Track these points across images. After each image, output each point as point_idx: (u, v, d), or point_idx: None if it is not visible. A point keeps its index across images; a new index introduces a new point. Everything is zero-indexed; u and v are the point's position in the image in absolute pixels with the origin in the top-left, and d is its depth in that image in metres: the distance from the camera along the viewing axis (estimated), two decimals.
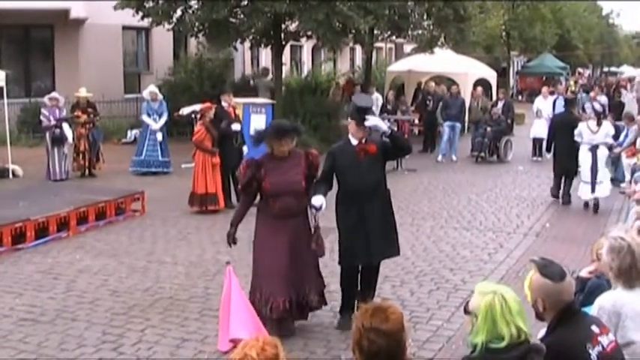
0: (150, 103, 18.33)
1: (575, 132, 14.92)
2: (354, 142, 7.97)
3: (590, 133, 14.75)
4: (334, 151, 8.16)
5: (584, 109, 21.66)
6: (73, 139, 17.49)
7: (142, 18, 21.34)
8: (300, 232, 7.72)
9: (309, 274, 7.82)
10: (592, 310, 4.71)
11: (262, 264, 7.64)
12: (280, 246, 7.55)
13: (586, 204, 15.02)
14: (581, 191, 14.97)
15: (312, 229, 7.77)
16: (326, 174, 8.04)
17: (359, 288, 8.19)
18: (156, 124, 18.03)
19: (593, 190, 14.69)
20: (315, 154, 7.96)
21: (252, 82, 26.99)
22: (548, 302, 4.22)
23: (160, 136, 18.08)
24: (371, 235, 7.85)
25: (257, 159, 7.84)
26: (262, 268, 7.64)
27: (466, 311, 3.99)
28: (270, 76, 25.05)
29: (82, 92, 18.23)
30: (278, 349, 3.32)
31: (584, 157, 14.81)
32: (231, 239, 7.86)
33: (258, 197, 7.91)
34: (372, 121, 7.88)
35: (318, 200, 7.63)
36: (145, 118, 18.26)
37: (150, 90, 18.73)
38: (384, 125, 7.96)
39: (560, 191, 15.65)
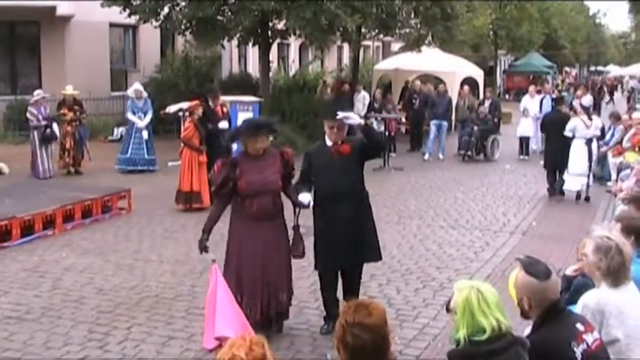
0: (135, 101, 18.27)
1: (568, 127, 15.32)
2: (329, 143, 7.81)
3: (585, 127, 15.30)
4: (310, 152, 8.07)
5: (571, 108, 21.75)
6: (59, 136, 17.44)
7: (129, 15, 21.27)
8: (276, 233, 7.53)
9: (283, 279, 7.59)
10: (576, 309, 4.73)
11: (240, 268, 7.44)
12: (256, 249, 7.38)
13: (578, 196, 15.40)
14: (570, 184, 15.36)
15: (292, 229, 7.64)
16: (304, 175, 7.90)
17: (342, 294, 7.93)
18: (141, 122, 17.98)
19: (588, 181, 15.31)
20: (290, 152, 7.80)
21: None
22: (533, 301, 4.24)
23: (145, 134, 18.02)
24: (342, 240, 7.61)
25: (232, 158, 7.69)
26: (240, 272, 7.43)
27: (448, 310, 4.03)
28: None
29: (69, 90, 18.16)
30: (265, 348, 3.32)
31: (579, 150, 15.24)
32: (203, 246, 7.52)
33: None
34: (342, 114, 7.62)
35: (305, 197, 7.56)
36: (130, 116, 18.20)
37: (135, 88, 18.67)
38: (356, 118, 7.76)
39: (555, 184, 16.01)
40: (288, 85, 26.74)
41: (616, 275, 4.77)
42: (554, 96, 24.26)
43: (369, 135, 7.77)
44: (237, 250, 7.48)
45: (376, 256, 8.02)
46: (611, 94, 51.62)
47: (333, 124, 7.69)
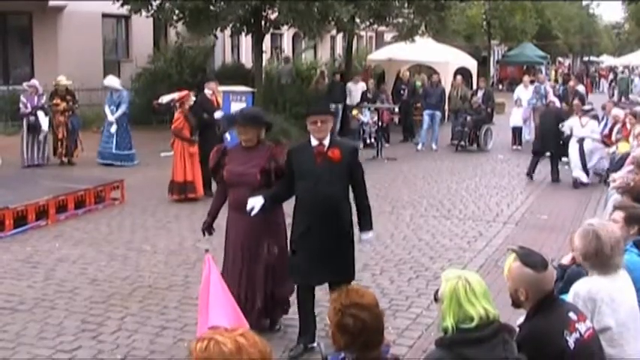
0: (112, 93, 18.15)
1: (566, 123, 16.70)
2: (314, 142, 6.94)
3: (580, 127, 16.55)
4: (292, 149, 7.26)
5: (563, 99, 21.91)
6: (51, 126, 17.39)
7: (122, 5, 21.20)
8: (256, 227, 7.17)
9: (259, 275, 7.30)
10: (568, 297, 4.75)
11: (227, 256, 7.51)
12: (237, 239, 7.36)
13: (575, 182, 16.28)
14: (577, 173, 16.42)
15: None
16: (286, 175, 7.17)
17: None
18: (111, 115, 17.82)
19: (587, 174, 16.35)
20: (280, 148, 7.41)
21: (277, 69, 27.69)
22: (530, 292, 4.26)
23: (113, 128, 17.73)
24: (316, 254, 6.86)
25: (225, 146, 7.67)
26: (226, 261, 7.49)
27: (436, 299, 4.02)
28: (291, 65, 26.85)
29: (62, 80, 18.09)
30: (254, 339, 3.30)
31: (573, 148, 16.41)
32: (206, 227, 7.68)
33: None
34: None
35: (251, 201, 6.94)
36: (106, 108, 18.05)
37: (106, 83, 18.45)
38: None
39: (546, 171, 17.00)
40: (281, 74, 26.70)
41: (594, 261, 4.79)
42: (546, 85, 24.26)
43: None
44: (226, 238, 7.57)
45: (350, 275, 7.06)
46: (610, 83, 51.72)
47: (316, 119, 6.89)
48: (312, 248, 6.87)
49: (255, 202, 6.90)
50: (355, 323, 3.80)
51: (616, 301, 4.68)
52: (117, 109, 17.85)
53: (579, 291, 4.74)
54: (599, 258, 4.78)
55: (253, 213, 6.91)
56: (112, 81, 18.62)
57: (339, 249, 6.96)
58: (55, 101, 17.70)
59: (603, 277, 4.78)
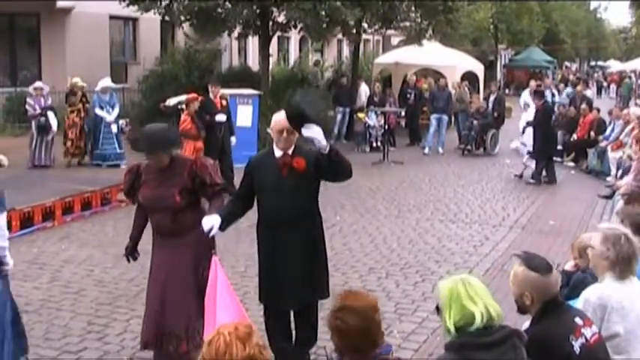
0: (100, 95, 18.12)
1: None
2: (278, 153, 6.36)
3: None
4: (252, 163, 6.59)
5: (571, 102, 21.97)
6: (60, 127, 17.46)
7: (128, 5, 21.21)
8: (181, 256, 6.42)
9: (181, 307, 6.39)
10: (577, 303, 4.73)
11: (148, 284, 6.76)
12: (158, 272, 6.57)
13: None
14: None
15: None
16: (241, 189, 6.63)
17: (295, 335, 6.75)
18: (110, 116, 17.87)
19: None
20: (203, 163, 6.54)
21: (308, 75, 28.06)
22: (535, 295, 4.25)
23: (114, 128, 17.90)
24: (284, 274, 6.34)
25: (139, 166, 6.63)
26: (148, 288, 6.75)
27: (438, 311, 3.90)
28: (317, 68, 28.14)
29: (78, 82, 18.15)
30: (252, 329, 3.33)
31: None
32: (129, 252, 6.98)
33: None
34: (310, 131, 5.90)
35: (208, 222, 6.18)
36: (98, 111, 18.00)
37: (102, 85, 18.46)
38: (322, 139, 5.93)
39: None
40: (287, 78, 26.72)
41: (625, 265, 4.76)
42: (554, 90, 24.29)
43: (332, 162, 6.07)
44: (151, 261, 6.82)
45: (324, 294, 6.57)
46: (617, 88, 51.53)
47: (282, 127, 6.21)
48: (279, 267, 6.34)
49: (213, 222, 6.16)
50: (340, 326, 3.88)
51: (625, 308, 4.67)
52: (112, 110, 17.93)
53: (590, 297, 4.72)
54: (628, 261, 4.77)
55: (212, 234, 6.20)
56: (108, 82, 18.71)
57: (310, 267, 6.41)
58: (72, 100, 17.78)
59: (618, 281, 4.76)
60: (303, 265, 6.34)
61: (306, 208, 6.40)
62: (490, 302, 3.79)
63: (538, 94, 18.59)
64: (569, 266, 6.00)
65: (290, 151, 6.31)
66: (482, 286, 3.88)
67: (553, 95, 23.88)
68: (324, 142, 5.95)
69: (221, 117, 14.44)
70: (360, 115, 22.60)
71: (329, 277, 6.70)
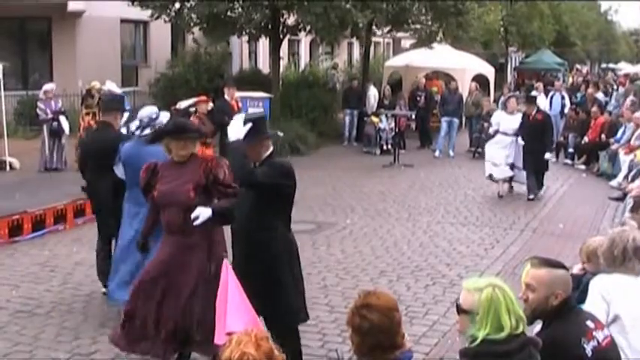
0: None
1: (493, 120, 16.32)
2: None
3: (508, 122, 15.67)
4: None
5: (577, 105, 21.90)
6: (72, 130, 17.50)
7: (142, 8, 21.25)
8: (186, 253, 6.47)
9: (193, 305, 6.40)
10: (589, 292, 4.81)
11: (144, 274, 6.71)
12: (164, 259, 6.56)
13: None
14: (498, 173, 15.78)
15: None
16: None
17: None
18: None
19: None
20: (218, 162, 6.58)
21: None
22: (565, 292, 4.25)
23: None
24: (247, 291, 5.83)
25: (156, 163, 6.69)
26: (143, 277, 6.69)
27: (459, 311, 3.90)
28: (334, 71, 28.76)
29: (97, 85, 18.16)
30: (270, 342, 3.33)
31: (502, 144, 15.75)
32: (140, 248, 7.05)
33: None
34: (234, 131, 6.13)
35: (199, 210, 6.25)
36: None
37: (112, 88, 18.51)
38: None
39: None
40: (298, 80, 26.77)
41: (629, 262, 4.83)
42: (564, 93, 24.22)
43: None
44: (156, 256, 6.80)
45: (282, 321, 6.30)
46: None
47: (262, 143, 6.32)
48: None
49: (202, 212, 6.21)
50: (363, 323, 3.84)
51: (629, 297, 4.79)
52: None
53: (596, 283, 4.87)
54: (636, 255, 4.86)
55: (197, 222, 6.20)
56: (113, 86, 18.72)
57: (265, 290, 6.13)
58: (88, 102, 17.81)
59: (627, 276, 4.89)
60: (259, 287, 6.02)
61: (246, 218, 6.23)
62: (519, 312, 3.78)
63: (529, 100, 16.62)
64: (576, 269, 6.00)
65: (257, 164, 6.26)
66: (511, 293, 3.85)
67: (563, 98, 23.72)
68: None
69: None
70: (375, 119, 22.59)
71: (282, 297, 6.28)
